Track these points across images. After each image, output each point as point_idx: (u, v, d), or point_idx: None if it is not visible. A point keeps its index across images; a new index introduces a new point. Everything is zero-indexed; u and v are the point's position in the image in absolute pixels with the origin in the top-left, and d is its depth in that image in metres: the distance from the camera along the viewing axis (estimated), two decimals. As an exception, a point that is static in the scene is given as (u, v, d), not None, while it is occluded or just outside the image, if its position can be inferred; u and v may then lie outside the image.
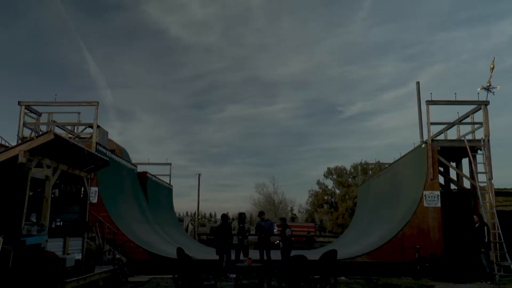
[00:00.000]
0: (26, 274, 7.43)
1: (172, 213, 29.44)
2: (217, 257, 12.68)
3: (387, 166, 23.11)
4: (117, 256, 12.76)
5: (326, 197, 61.36)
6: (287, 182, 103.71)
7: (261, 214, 14.26)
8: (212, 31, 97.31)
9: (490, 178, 14.60)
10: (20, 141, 14.53)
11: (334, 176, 60.05)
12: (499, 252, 12.99)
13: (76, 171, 10.84)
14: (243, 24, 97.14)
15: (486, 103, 15.07)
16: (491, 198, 14.22)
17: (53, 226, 10.01)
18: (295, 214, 72.14)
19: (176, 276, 8.72)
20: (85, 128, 16.98)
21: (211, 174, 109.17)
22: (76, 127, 17.64)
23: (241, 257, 12.85)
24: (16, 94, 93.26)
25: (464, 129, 16.80)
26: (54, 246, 9.21)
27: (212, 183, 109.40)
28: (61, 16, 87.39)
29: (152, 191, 23.39)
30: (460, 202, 16.21)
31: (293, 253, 12.67)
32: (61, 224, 10.59)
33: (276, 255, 13.42)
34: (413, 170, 16.76)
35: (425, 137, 15.35)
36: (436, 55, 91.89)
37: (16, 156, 8.28)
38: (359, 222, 25.32)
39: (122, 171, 19.03)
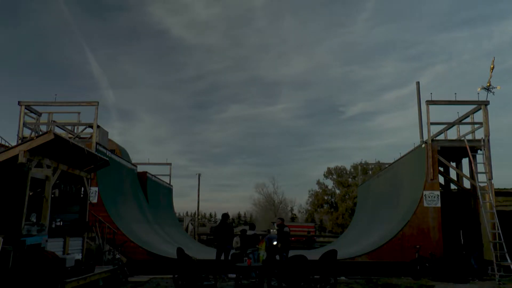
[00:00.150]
0: (26, 274, 7.42)
1: (172, 213, 29.44)
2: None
3: (387, 166, 23.11)
4: (117, 256, 12.76)
5: (326, 197, 61.39)
6: (287, 182, 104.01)
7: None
8: (214, 32, 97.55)
9: (490, 178, 14.59)
10: (20, 141, 14.53)
11: (334, 176, 60.08)
12: (499, 252, 12.99)
13: (76, 171, 10.84)
14: (245, 25, 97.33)
15: (486, 103, 15.07)
16: (491, 198, 14.22)
17: (53, 226, 10.00)
18: (295, 214, 72.18)
19: (176, 276, 8.72)
20: (85, 128, 16.98)
21: (211, 174, 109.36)
22: (76, 127, 17.64)
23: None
24: (17, 94, 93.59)
25: (464, 129, 16.83)
26: (54, 246, 9.21)
27: (212, 183, 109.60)
28: (64, 16, 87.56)
29: (152, 191, 23.39)
30: (460, 202, 16.21)
31: (293, 253, 12.66)
32: (61, 224, 10.59)
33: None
34: (413, 170, 16.76)
35: (425, 137, 15.35)
36: (437, 55, 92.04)
37: (16, 156, 8.28)
38: (359, 222, 25.32)
39: (122, 171, 19.03)
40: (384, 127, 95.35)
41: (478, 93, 15.39)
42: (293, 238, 29.67)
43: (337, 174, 59.84)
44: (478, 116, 15.43)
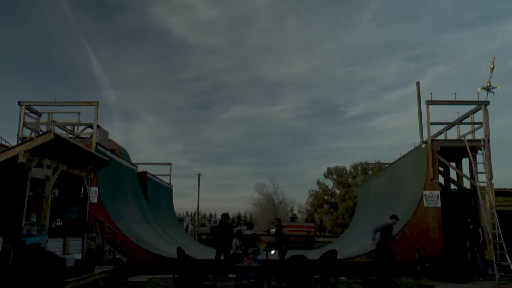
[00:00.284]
0: (26, 274, 7.43)
1: (172, 213, 29.44)
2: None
3: (387, 166, 23.11)
4: (117, 256, 12.76)
5: (326, 197, 61.38)
6: (288, 182, 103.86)
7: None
8: (216, 32, 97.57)
9: (490, 178, 14.60)
10: (20, 141, 14.53)
11: (334, 176, 60.07)
12: (499, 252, 12.99)
13: (76, 171, 10.84)
14: (247, 25, 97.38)
15: (486, 103, 15.07)
16: (491, 198, 14.22)
17: (53, 226, 10.01)
18: (295, 214, 72.16)
19: (176, 276, 8.72)
20: (85, 128, 16.98)
21: (212, 174, 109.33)
22: (76, 127, 17.64)
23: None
24: (18, 94, 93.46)
25: (464, 129, 16.83)
26: (54, 246, 9.21)
27: (213, 183, 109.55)
28: (66, 16, 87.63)
29: (152, 191, 23.39)
30: (460, 202, 16.21)
31: (293, 253, 12.66)
32: (61, 224, 10.60)
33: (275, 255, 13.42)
34: (413, 170, 16.76)
35: (425, 137, 15.35)
36: (440, 55, 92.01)
37: (16, 156, 8.28)
38: (359, 222, 25.31)
39: (122, 171, 19.03)
40: (385, 127, 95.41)
41: (478, 93, 15.42)
42: (292, 238, 29.68)
43: (337, 174, 59.83)
44: (478, 116, 15.44)
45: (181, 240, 22.28)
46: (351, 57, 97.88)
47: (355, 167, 54.45)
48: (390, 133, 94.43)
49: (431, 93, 15.49)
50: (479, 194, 14.19)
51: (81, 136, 16.94)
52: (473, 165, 15.32)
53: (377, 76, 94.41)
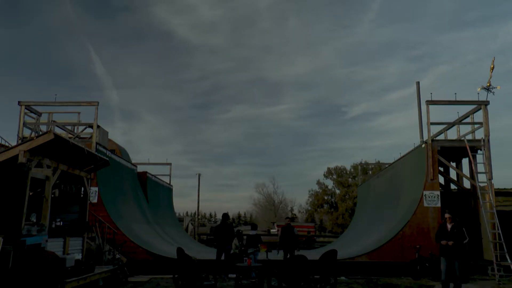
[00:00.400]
0: (26, 274, 7.42)
1: (172, 213, 29.44)
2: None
3: (387, 166, 23.12)
4: (117, 256, 12.77)
5: (326, 197, 61.38)
6: (289, 182, 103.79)
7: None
8: (218, 33, 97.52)
9: (490, 178, 14.60)
10: (20, 141, 14.53)
11: (334, 176, 60.07)
12: (499, 252, 12.99)
13: (76, 171, 10.84)
14: (249, 26, 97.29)
15: (486, 103, 15.07)
16: (491, 198, 14.22)
17: (53, 226, 10.02)
18: (295, 214, 72.13)
19: (176, 276, 8.72)
20: (85, 128, 16.99)
21: (213, 174, 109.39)
22: (76, 127, 17.65)
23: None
24: (20, 94, 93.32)
25: (464, 129, 16.84)
26: (54, 246, 9.21)
27: (214, 183, 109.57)
28: (69, 16, 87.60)
29: (152, 191, 23.39)
30: (460, 202, 16.22)
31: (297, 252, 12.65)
32: (61, 224, 10.60)
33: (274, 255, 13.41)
34: (413, 170, 16.76)
35: (425, 137, 15.35)
36: (441, 55, 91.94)
37: (16, 156, 8.28)
38: (359, 222, 25.32)
39: (122, 171, 19.03)
40: (386, 127, 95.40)
41: (478, 93, 15.42)
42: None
43: (337, 174, 59.83)
44: (478, 116, 15.44)
45: (181, 240, 22.29)
46: (352, 57, 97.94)
47: (355, 167, 54.45)
48: (391, 133, 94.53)
49: (431, 93, 15.52)
50: (479, 194, 14.19)
51: (81, 136, 16.94)
52: (473, 165, 15.33)
53: (378, 76, 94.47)
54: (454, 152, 16.01)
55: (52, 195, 9.69)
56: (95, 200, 14.58)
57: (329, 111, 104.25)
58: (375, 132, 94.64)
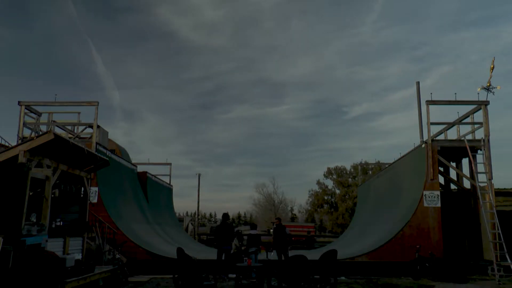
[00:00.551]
0: (26, 274, 7.42)
1: (172, 213, 29.44)
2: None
3: (387, 166, 23.11)
4: (117, 256, 12.76)
5: (326, 197, 61.36)
6: (290, 182, 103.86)
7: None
8: (221, 33, 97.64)
9: (490, 178, 14.59)
10: (20, 141, 14.53)
11: (334, 176, 60.05)
12: (499, 252, 12.99)
13: (76, 171, 10.84)
14: (252, 26, 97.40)
15: (486, 103, 15.07)
16: (491, 198, 14.21)
17: (53, 226, 10.01)
18: (295, 214, 72.16)
19: (176, 276, 8.72)
20: (85, 128, 16.99)
21: (214, 174, 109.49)
22: (76, 127, 17.65)
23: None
24: (21, 94, 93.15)
25: (464, 129, 16.84)
26: (54, 246, 9.21)
27: (215, 183, 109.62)
28: (72, 17, 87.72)
29: (152, 191, 23.39)
30: (460, 202, 16.22)
31: (293, 253, 12.64)
32: (61, 224, 10.59)
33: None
34: (413, 170, 16.76)
35: (425, 137, 15.35)
36: (444, 56, 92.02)
37: (16, 156, 8.28)
38: (359, 222, 25.32)
39: (122, 171, 19.03)
40: (387, 128, 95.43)
41: (478, 93, 15.43)
42: (293, 238, 29.64)
43: (337, 174, 59.81)
44: (478, 116, 15.44)
45: (181, 240, 22.29)
46: (354, 57, 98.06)
47: (355, 167, 54.44)
48: (392, 133, 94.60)
49: (431, 93, 15.52)
50: (479, 194, 14.18)
51: (81, 136, 16.94)
52: (473, 165, 15.32)
53: (380, 77, 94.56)
54: (454, 152, 16.01)
55: (52, 195, 9.69)
56: (95, 200, 14.58)
57: (331, 112, 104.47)
58: (376, 132, 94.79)
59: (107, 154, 16.12)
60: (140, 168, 23.20)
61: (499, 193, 15.25)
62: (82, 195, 11.74)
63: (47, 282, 7.47)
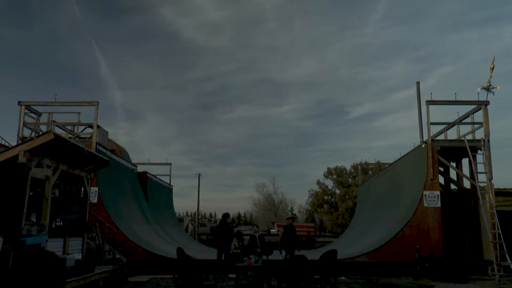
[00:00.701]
0: (26, 274, 7.42)
1: (172, 213, 29.45)
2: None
3: (387, 166, 23.11)
4: (117, 256, 12.76)
5: (326, 197, 61.35)
6: (291, 183, 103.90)
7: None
8: (224, 33, 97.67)
9: (490, 178, 14.59)
10: (20, 141, 14.53)
11: (334, 176, 60.04)
12: (499, 252, 12.99)
13: (76, 171, 10.84)
14: (255, 27, 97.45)
15: (486, 103, 15.07)
16: (491, 198, 14.21)
17: (53, 226, 10.00)
18: (295, 214, 72.14)
19: (176, 276, 8.72)
20: (85, 128, 16.99)
21: (215, 174, 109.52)
22: (76, 127, 17.65)
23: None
24: (23, 95, 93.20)
25: (464, 129, 16.85)
26: (54, 246, 9.21)
27: (215, 183, 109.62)
28: (75, 17, 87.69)
29: (152, 191, 23.39)
30: (460, 202, 16.22)
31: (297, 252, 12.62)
32: (61, 224, 10.58)
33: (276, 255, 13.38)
34: (413, 170, 16.76)
35: (425, 137, 15.36)
36: (445, 56, 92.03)
37: (16, 156, 8.28)
38: (359, 222, 25.33)
39: (122, 171, 19.03)
40: (389, 128, 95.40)
41: (478, 93, 15.43)
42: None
43: (337, 174, 59.81)
44: (478, 116, 15.45)
45: (181, 240, 22.29)
46: (356, 58, 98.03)
47: (355, 167, 54.45)
48: (393, 133, 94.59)
49: (431, 93, 15.53)
50: (479, 194, 14.19)
51: (81, 136, 16.94)
52: (473, 165, 15.32)
53: (383, 77, 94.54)
54: (454, 152, 16.01)
55: (52, 195, 9.69)
56: (95, 200, 14.58)
57: (332, 112, 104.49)
58: (378, 132, 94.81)
59: (107, 154, 16.13)
60: (140, 168, 23.23)
61: (499, 193, 15.25)
62: (82, 195, 11.74)
63: (47, 282, 7.47)
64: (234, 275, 11.17)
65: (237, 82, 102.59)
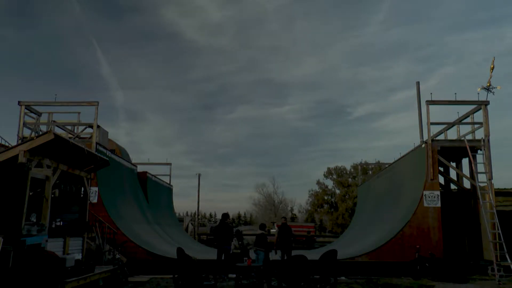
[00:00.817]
0: (26, 274, 7.42)
1: (172, 213, 29.45)
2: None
3: (387, 166, 23.11)
4: (117, 256, 12.76)
5: (326, 197, 61.35)
6: (292, 183, 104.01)
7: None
8: (226, 34, 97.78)
9: (490, 178, 14.59)
10: (20, 141, 14.53)
11: (334, 176, 60.03)
12: (499, 252, 12.99)
13: (76, 171, 10.84)
14: (257, 27, 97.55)
15: (486, 103, 15.07)
16: (491, 198, 14.21)
17: (53, 226, 10.01)
18: (295, 214, 72.17)
19: (176, 276, 8.72)
20: (85, 128, 16.98)
21: (215, 174, 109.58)
22: (76, 127, 17.65)
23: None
24: (25, 95, 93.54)
25: (464, 129, 16.84)
26: (54, 246, 9.21)
27: (215, 183, 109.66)
28: (77, 17, 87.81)
29: (152, 191, 23.39)
30: (460, 202, 16.21)
31: (293, 253, 12.63)
32: (61, 224, 10.59)
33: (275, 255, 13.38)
34: (413, 170, 16.76)
35: (425, 137, 15.35)
36: (448, 57, 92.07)
37: (16, 156, 8.28)
38: (359, 222, 25.33)
39: (122, 171, 19.03)
40: (390, 128, 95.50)
41: (478, 93, 15.43)
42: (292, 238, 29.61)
43: (337, 174, 59.79)
44: (478, 116, 15.44)
45: (181, 240, 22.28)
46: (358, 58, 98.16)
47: (355, 167, 54.43)
48: (394, 133, 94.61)
49: (431, 93, 15.53)
50: (479, 194, 14.19)
51: (81, 136, 16.93)
52: (473, 165, 15.32)
53: (384, 77, 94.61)
54: (454, 152, 16.01)
55: (52, 195, 9.69)
56: (95, 200, 14.58)
57: (333, 112, 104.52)
58: (379, 132, 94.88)
59: (107, 154, 16.13)
60: (140, 168, 23.23)
61: (499, 193, 15.25)
62: (82, 195, 11.74)
63: (47, 282, 7.47)
64: (234, 275, 11.17)
65: (238, 82, 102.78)
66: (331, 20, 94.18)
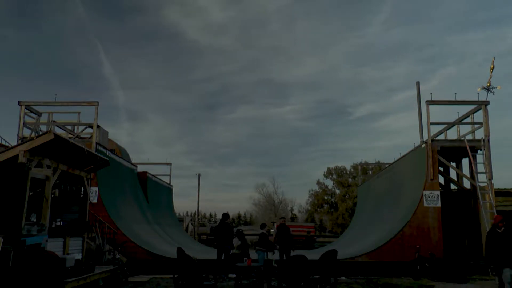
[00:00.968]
0: (26, 274, 7.42)
1: (172, 213, 29.45)
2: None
3: (387, 166, 23.11)
4: (117, 256, 12.76)
5: (326, 197, 61.35)
6: (292, 183, 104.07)
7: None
8: (227, 34, 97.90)
9: (490, 178, 14.59)
10: (20, 141, 14.53)
11: (334, 176, 60.03)
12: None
13: (76, 171, 10.84)
14: (258, 27, 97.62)
15: (486, 103, 15.07)
16: (491, 198, 14.21)
17: (53, 226, 10.01)
18: (295, 214, 72.18)
19: (176, 276, 8.72)
20: (85, 128, 16.98)
21: (215, 174, 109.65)
22: (76, 127, 17.64)
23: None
24: (25, 95, 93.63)
25: (464, 129, 16.84)
26: (54, 246, 9.21)
27: (215, 183, 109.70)
28: (80, 18, 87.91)
29: (152, 191, 23.38)
30: (460, 202, 16.21)
31: (293, 253, 12.62)
32: (61, 224, 10.59)
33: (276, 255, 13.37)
34: (413, 170, 16.76)
35: (425, 137, 15.35)
36: (449, 57, 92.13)
37: (16, 156, 8.28)
38: (359, 222, 25.32)
39: (122, 171, 19.03)
40: (391, 128, 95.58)
41: (478, 93, 15.43)
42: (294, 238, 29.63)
43: (337, 174, 59.79)
44: (478, 116, 15.44)
45: (181, 240, 22.28)
46: (360, 58, 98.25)
47: (355, 167, 54.42)
48: (395, 133, 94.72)
49: (431, 93, 15.53)
50: (479, 194, 14.19)
51: (81, 136, 16.93)
52: (473, 165, 15.32)
53: (385, 78, 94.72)
54: (454, 152, 16.01)
55: (52, 195, 9.68)
56: (95, 200, 14.57)
57: (335, 112, 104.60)
58: (379, 132, 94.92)
59: (107, 154, 16.12)
60: (140, 168, 23.22)
61: (499, 193, 15.25)
62: (82, 195, 11.74)
63: (47, 282, 7.47)
64: (234, 275, 11.17)
65: (239, 83, 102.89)
66: (332, 20, 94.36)
